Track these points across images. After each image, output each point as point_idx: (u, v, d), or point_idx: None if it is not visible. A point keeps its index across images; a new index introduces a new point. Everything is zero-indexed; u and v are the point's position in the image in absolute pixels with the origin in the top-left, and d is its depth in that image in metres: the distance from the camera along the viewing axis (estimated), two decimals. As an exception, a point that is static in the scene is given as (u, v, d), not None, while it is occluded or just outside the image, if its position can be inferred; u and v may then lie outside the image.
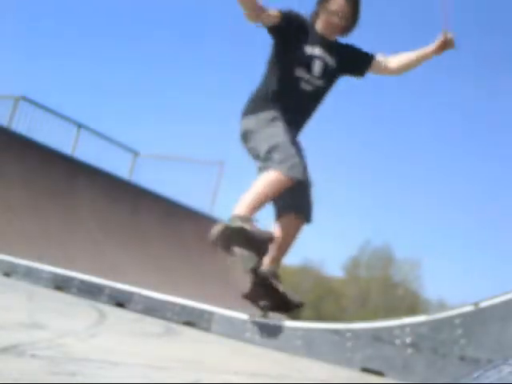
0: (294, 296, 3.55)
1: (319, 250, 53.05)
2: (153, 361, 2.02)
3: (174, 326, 3.41)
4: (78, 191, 9.85)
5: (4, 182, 8.31)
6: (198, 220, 12.36)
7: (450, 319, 3.05)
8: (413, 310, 33.85)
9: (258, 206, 3.13)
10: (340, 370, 3.00)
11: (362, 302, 39.05)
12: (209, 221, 12.92)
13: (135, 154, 13.51)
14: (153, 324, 3.35)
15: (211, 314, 3.54)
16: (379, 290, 39.36)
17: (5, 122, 10.98)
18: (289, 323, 3.39)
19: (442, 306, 36.06)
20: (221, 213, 13.31)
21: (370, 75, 3.72)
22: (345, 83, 3.76)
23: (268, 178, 3.11)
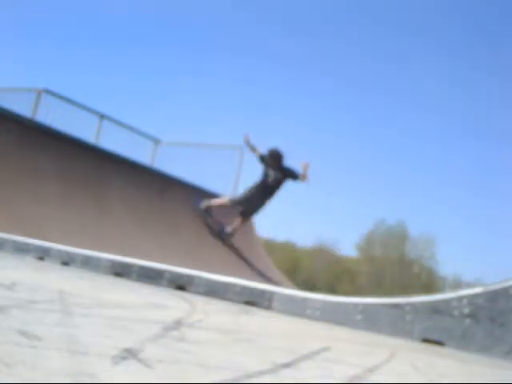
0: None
1: (333, 230, 53.16)
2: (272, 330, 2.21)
3: (241, 305, 3.61)
4: (106, 181, 10.04)
5: (38, 176, 8.51)
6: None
7: (506, 289, 3.21)
8: (429, 287, 34.02)
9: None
10: (401, 341, 3.16)
11: (377, 280, 39.26)
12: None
13: (156, 141, 13.67)
14: (223, 304, 3.55)
15: (272, 293, 3.72)
16: (394, 267, 39.53)
17: (28, 115, 11.13)
18: (349, 299, 3.56)
19: (457, 283, 36.18)
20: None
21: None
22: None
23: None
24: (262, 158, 8.61)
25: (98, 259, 4.58)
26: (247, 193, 8.85)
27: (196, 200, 9.75)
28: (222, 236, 9.71)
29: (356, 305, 3.49)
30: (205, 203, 9.44)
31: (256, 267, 11.74)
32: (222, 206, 9.33)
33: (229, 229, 9.46)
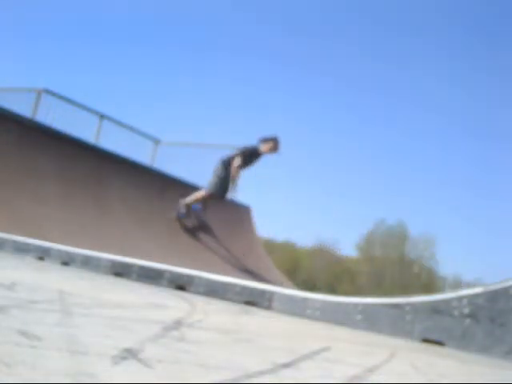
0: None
1: (333, 230, 53.13)
2: (272, 330, 2.21)
3: (241, 305, 3.61)
4: (106, 181, 10.04)
5: (38, 176, 8.52)
6: (221, 204, 12.53)
7: (506, 289, 3.21)
8: (429, 287, 34.02)
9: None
10: (401, 341, 3.16)
11: (377, 280, 39.26)
12: (232, 204, 13.11)
13: (156, 141, 13.67)
14: (223, 304, 3.55)
15: (272, 293, 3.72)
16: (394, 267, 39.53)
17: (28, 115, 11.12)
18: (349, 299, 3.56)
19: (457, 283, 36.18)
20: (242, 196, 13.48)
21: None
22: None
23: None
24: (255, 151, 8.89)
25: (98, 259, 4.58)
26: (221, 176, 8.99)
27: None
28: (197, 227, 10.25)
29: (356, 305, 3.49)
30: (182, 204, 9.51)
31: (255, 266, 11.73)
32: (200, 201, 9.54)
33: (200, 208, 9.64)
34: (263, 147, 8.79)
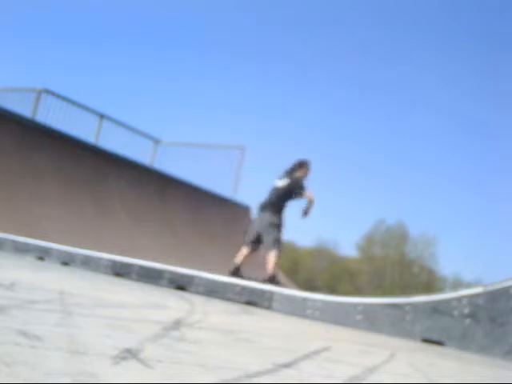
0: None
1: (333, 230, 53.02)
2: (270, 331, 2.21)
3: (241, 305, 3.61)
4: (106, 181, 10.05)
5: (38, 176, 8.52)
6: (221, 204, 12.55)
7: (506, 289, 3.21)
8: (429, 287, 33.98)
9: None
10: (401, 341, 3.16)
11: (377, 280, 39.26)
12: (232, 204, 13.12)
13: (156, 141, 13.66)
14: (223, 304, 3.55)
15: (272, 293, 3.72)
16: (394, 267, 39.52)
17: (28, 115, 11.12)
18: (349, 299, 3.56)
19: (457, 283, 36.18)
20: (243, 196, 13.48)
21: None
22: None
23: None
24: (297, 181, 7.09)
25: (98, 259, 4.58)
26: (278, 223, 6.93)
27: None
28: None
29: (356, 305, 3.49)
30: (270, 276, 6.42)
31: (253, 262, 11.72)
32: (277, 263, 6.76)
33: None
34: (299, 173, 7.07)
